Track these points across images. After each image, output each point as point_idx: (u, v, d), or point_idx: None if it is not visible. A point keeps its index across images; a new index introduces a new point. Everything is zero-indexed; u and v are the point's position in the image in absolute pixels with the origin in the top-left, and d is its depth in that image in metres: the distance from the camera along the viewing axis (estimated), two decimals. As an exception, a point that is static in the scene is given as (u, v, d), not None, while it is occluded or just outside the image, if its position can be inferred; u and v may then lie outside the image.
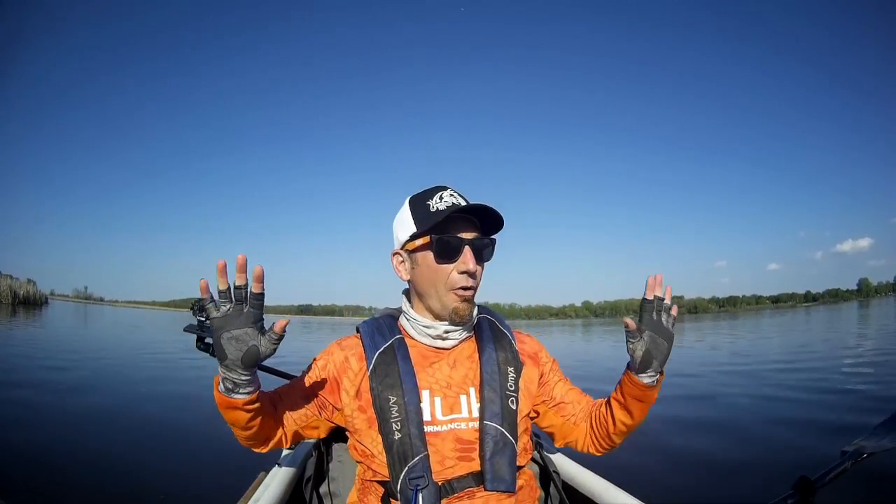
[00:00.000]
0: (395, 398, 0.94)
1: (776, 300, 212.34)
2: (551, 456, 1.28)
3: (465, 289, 0.97)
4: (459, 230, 0.97)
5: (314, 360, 1.05)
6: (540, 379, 1.08)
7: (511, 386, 1.01)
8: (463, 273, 0.96)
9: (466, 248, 0.96)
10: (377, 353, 1.00)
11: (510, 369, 1.03)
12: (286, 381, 1.86)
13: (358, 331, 1.08)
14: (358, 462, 1.02)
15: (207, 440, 3.95)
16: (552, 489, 1.23)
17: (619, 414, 1.01)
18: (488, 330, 1.08)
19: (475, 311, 1.05)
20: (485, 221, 0.99)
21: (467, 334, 1.05)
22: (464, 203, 0.97)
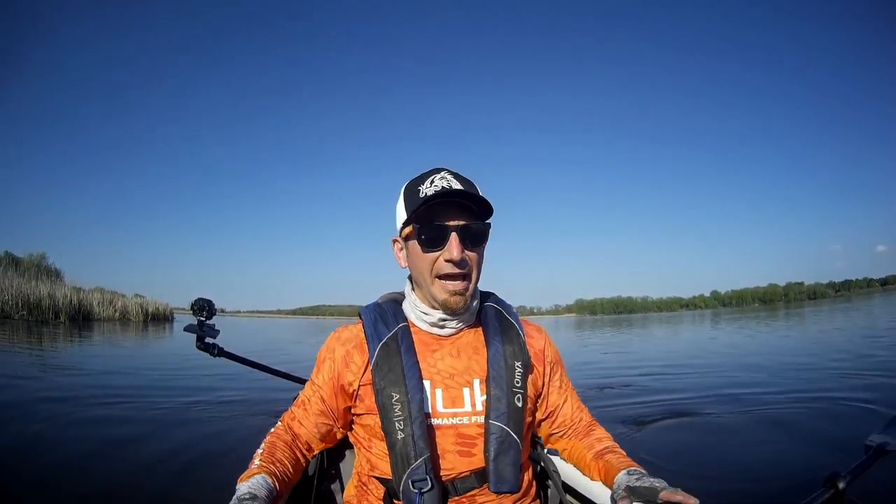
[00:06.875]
0: (398, 395, 0.92)
1: (884, 283, 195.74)
2: (550, 455, 1.21)
3: (451, 278, 0.95)
4: (447, 216, 0.93)
5: (318, 361, 1.04)
6: (542, 379, 1.07)
7: (518, 382, 0.98)
8: (449, 261, 0.93)
9: (453, 235, 0.93)
10: (380, 345, 0.98)
11: (518, 364, 1.00)
12: (287, 380, 2.05)
13: (360, 317, 1.05)
14: (359, 454, 1.03)
15: (206, 437, 3.67)
16: (552, 489, 1.19)
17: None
18: (495, 320, 1.05)
19: (476, 303, 1.03)
20: (480, 204, 0.94)
21: (467, 324, 1.03)
22: (453, 186, 0.93)
